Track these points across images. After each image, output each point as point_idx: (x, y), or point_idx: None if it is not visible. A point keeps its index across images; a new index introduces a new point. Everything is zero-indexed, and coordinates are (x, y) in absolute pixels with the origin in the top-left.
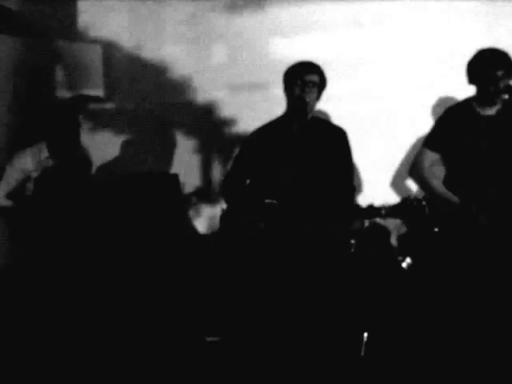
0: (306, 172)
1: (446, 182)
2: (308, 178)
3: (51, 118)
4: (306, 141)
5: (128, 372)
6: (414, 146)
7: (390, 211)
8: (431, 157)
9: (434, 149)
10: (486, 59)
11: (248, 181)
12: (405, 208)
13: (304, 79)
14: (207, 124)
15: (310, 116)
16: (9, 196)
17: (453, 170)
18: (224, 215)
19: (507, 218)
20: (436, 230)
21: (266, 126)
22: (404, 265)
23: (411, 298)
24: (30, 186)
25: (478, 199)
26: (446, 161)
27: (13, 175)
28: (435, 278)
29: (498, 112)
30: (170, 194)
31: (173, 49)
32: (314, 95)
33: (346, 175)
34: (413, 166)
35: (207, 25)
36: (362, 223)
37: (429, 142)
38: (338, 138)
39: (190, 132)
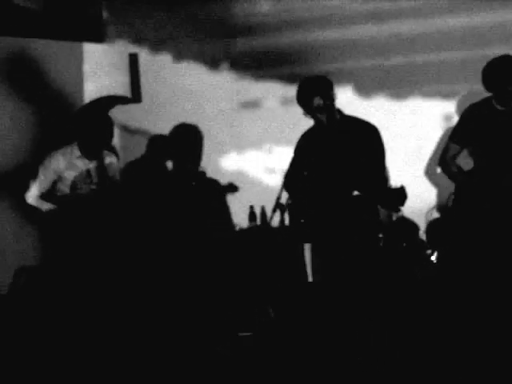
0: (335, 166)
1: (473, 171)
2: (338, 171)
3: (84, 118)
4: (336, 137)
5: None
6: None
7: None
8: (454, 149)
9: (457, 142)
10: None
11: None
12: (387, 195)
13: (311, 105)
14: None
15: (335, 117)
16: (42, 196)
17: (477, 160)
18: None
19: None
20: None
21: (312, 127)
22: (433, 258)
23: (440, 293)
24: (61, 186)
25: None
26: (472, 152)
27: (45, 176)
28: (463, 272)
29: None
30: (198, 191)
31: None
32: (326, 111)
33: (377, 167)
34: (440, 158)
35: None
36: (391, 217)
37: (452, 135)
38: (367, 133)
39: (216, 131)
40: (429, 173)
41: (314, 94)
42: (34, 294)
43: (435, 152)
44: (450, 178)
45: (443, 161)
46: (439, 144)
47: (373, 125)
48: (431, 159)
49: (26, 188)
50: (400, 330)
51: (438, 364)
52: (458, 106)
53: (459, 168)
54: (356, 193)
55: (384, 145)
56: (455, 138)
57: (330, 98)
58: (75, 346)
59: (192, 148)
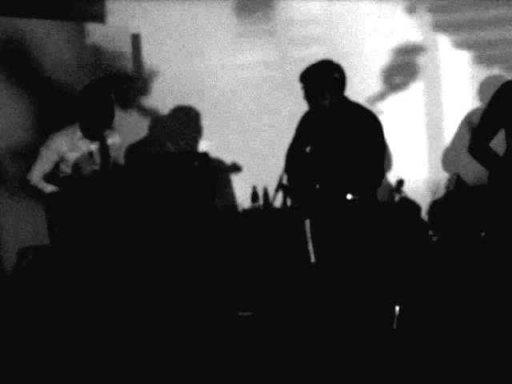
0: (326, 147)
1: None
2: (330, 153)
3: (85, 98)
4: (333, 122)
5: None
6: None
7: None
8: (487, 133)
9: (489, 125)
10: None
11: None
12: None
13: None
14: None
15: (327, 104)
16: (44, 177)
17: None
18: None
19: None
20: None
21: None
22: (435, 239)
23: (442, 272)
24: (64, 167)
25: None
26: (506, 136)
27: (48, 157)
28: (468, 251)
29: None
30: (201, 172)
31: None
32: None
33: (372, 157)
34: (470, 144)
35: None
36: (392, 198)
37: (484, 118)
38: (365, 120)
39: (218, 111)
40: (446, 161)
41: (312, 88)
42: (38, 274)
43: (454, 139)
44: (484, 165)
45: (475, 147)
46: (459, 129)
47: (373, 114)
48: (449, 146)
49: (28, 170)
50: (401, 312)
51: (440, 346)
52: (480, 90)
53: (494, 154)
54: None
55: (383, 135)
56: (487, 121)
57: (323, 91)
58: (77, 330)
59: (189, 129)
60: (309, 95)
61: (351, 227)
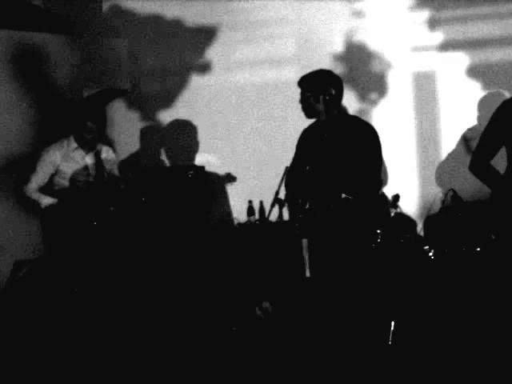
0: (326, 163)
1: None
2: (329, 168)
3: (78, 110)
4: (330, 134)
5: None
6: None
7: None
8: (488, 151)
9: (490, 143)
10: None
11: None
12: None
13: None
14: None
15: (321, 110)
16: (41, 190)
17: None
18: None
19: None
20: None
21: (313, 122)
22: (430, 254)
23: (438, 287)
24: (59, 179)
25: None
26: (508, 153)
27: (43, 169)
28: (462, 266)
29: None
30: (197, 185)
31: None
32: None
33: (368, 168)
34: (471, 161)
35: None
36: (388, 213)
37: (485, 136)
38: (363, 132)
39: (215, 126)
40: (441, 177)
41: (306, 91)
42: (33, 287)
43: (449, 155)
44: (485, 183)
45: (476, 165)
46: (456, 145)
47: (371, 126)
48: (445, 162)
49: (26, 181)
50: (397, 326)
51: (436, 361)
52: (479, 107)
53: (495, 171)
54: (344, 195)
55: (381, 147)
56: (488, 139)
57: (317, 94)
58: (74, 340)
59: (186, 143)
60: (302, 97)
61: (346, 232)
